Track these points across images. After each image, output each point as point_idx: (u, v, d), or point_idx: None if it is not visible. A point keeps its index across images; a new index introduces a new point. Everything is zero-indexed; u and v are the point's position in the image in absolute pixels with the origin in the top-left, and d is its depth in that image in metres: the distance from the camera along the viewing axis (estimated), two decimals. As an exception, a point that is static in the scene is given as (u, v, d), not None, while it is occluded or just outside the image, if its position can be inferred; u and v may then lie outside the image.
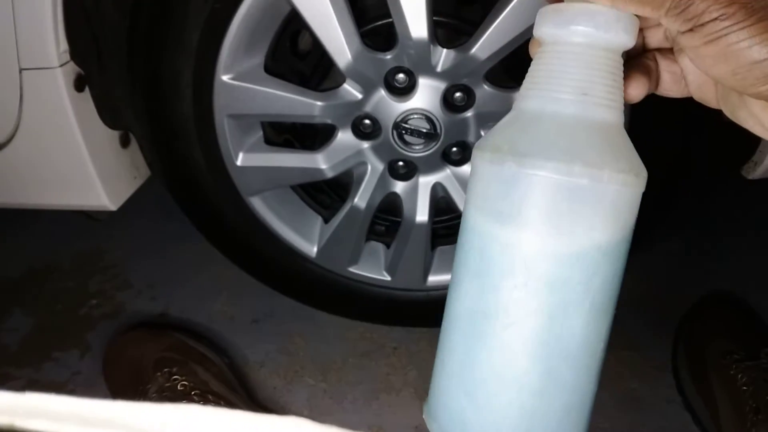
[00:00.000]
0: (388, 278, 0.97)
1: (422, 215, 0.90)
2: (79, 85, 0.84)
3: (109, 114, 0.90)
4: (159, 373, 0.89)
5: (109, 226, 1.32)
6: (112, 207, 0.94)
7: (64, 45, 0.80)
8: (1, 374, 1.07)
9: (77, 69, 0.83)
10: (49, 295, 1.22)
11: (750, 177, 0.86)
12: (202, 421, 0.16)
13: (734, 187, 1.32)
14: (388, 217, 0.98)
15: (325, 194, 0.99)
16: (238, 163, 0.86)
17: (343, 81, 0.80)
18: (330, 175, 0.87)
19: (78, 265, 1.28)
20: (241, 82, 0.79)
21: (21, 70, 0.81)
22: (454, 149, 0.86)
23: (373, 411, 0.96)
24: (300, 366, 1.06)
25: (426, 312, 1.01)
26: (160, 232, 1.33)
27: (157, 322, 1.12)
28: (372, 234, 0.98)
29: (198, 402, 0.82)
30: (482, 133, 0.83)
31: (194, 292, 1.19)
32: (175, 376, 0.87)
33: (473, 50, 0.74)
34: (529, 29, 0.73)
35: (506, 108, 0.78)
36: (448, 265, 0.98)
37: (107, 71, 0.86)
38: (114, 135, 0.94)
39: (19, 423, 0.15)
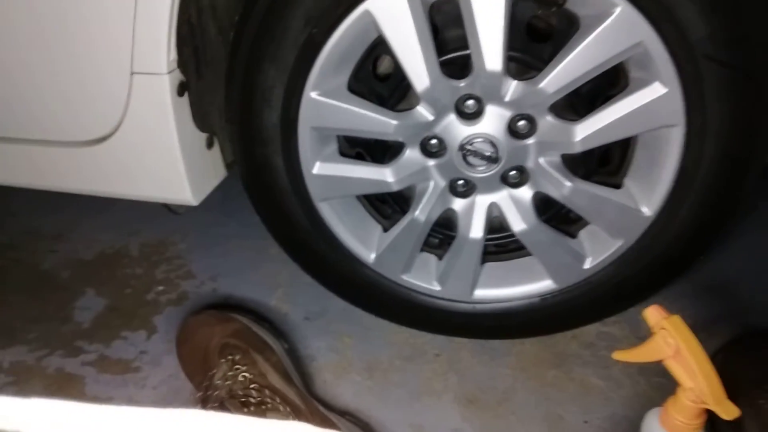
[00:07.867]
0: (438, 288, 1.04)
1: (476, 232, 0.98)
2: (180, 90, 0.94)
3: (200, 117, 1.00)
4: (223, 360, 0.97)
5: (173, 221, 1.42)
6: (194, 202, 1.04)
7: (173, 54, 0.90)
8: (74, 348, 1.17)
9: (181, 76, 0.93)
10: (119, 279, 1.32)
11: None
12: (208, 426, 0.17)
13: None
14: (442, 231, 1.05)
15: (388, 205, 1.07)
16: (314, 171, 0.95)
17: (417, 103, 0.88)
18: (396, 188, 0.95)
19: (145, 254, 1.38)
20: (326, 99, 0.88)
21: (132, 73, 0.91)
22: (513, 172, 0.93)
23: (416, 411, 1.03)
24: (348, 363, 1.13)
25: (470, 323, 1.08)
26: (221, 230, 1.42)
27: (223, 305, 1.20)
28: (425, 245, 1.05)
29: (256, 397, 0.90)
30: (540, 160, 0.90)
31: (252, 287, 1.28)
32: (237, 366, 0.95)
33: (541, 84, 0.82)
34: (594, 69, 0.80)
35: (566, 138, 0.86)
36: (495, 281, 1.05)
37: (203, 79, 0.96)
38: (201, 137, 1.04)
39: (24, 430, 0.16)
